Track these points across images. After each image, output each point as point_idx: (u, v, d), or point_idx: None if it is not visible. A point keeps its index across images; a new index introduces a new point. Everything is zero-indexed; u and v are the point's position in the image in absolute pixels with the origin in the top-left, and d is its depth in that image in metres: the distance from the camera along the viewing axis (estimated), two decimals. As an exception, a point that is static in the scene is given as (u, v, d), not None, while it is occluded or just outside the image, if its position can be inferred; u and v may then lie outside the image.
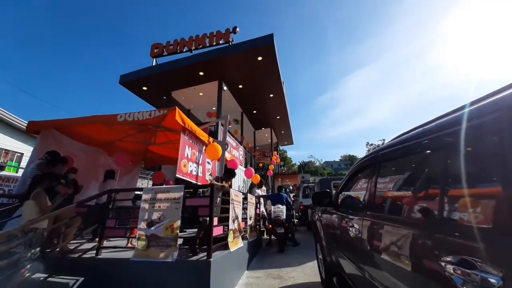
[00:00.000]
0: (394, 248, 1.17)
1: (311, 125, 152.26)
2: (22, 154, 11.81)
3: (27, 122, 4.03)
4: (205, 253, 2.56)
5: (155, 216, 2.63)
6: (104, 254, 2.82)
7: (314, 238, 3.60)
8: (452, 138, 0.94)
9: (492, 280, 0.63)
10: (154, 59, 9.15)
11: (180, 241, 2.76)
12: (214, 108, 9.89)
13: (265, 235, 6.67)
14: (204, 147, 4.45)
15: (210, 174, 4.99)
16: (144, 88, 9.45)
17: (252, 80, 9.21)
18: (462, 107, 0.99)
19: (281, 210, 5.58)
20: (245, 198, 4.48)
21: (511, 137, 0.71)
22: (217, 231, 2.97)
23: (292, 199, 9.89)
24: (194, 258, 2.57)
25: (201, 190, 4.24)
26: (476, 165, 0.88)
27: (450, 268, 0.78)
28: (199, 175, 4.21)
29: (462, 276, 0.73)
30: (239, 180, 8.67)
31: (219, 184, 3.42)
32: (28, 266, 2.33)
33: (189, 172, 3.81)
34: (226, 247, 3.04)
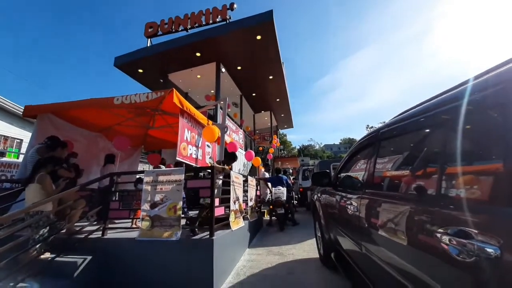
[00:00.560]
0: (391, 223, 1.20)
1: (311, 109, 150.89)
2: (22, 140, 11.79)
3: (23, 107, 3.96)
4: (207, 233, 2.64)
5: (157, 197, 2.67)
6: (110, 235, 2.90)
7: (313, 218, 3.70)
8: (455, 112, 0.91)
9: (489, 250, 0.64)
10: (149, 39, 8.79)
11: (183, 222, 2.85)
12: (212, 91, 9.70)
13: (265, 216, 6.87)
14: (202, 130, 4.42)
15: (210, 157, 5.02)
16: (140, 70, 9.18)
17: (251, 61, 8.93)
18: (465, 82, 0.96)
19: (281, 191, 5.72)
20: (245, 180, 4.55)
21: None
22: (219, 211, 3.05)
23: (292, 181, 10.06)
24: (198, 236, 2.66)
25: (201, 174, 4.29)
26: (478, 138, 0.87)
27: (446, 239, 0.80)
28: (199, 158, 4.23)
29: (458, 246, 0.74)
30: (239, 164, 8.74)
31: (220, 166, 3.45)
32: (37, 246, 2.41)
33: (188, 155, 3.82)
34: (228, 226, 3.14)
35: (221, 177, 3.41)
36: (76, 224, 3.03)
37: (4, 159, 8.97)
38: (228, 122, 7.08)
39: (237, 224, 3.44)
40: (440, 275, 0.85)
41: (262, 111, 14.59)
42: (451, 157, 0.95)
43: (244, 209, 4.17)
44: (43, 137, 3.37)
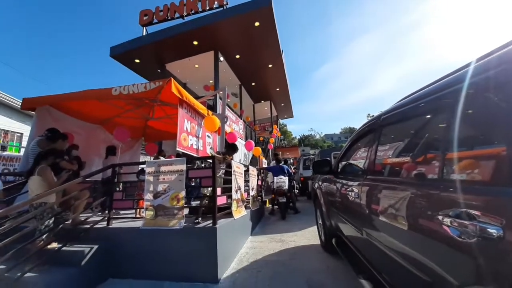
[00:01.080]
0: (393, 208, 1.21)
1: (312, 98, 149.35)
2: (22, 134, 11.78)
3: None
4: (210, 221, 2.69)
5: (160, 187, 2.70)
6: (115, 224, 2.96)
7: (314, 206, 3.75)
8: (457, 95, 0.90)
9: (491, 230, 0.65)
10: (144, 28, 8.57)
11: (186, 211, 2.89)
12: (211, 81, 9.57)
13: (267, 205, 6.97)
14: (203, 120, 4.40)
15: (211, 148, 5.02)
16: (137, 60, 9.02)
17: (250, 49, 8.75)
18: (468, 65, 0.94)
19: (283, 180, 5.78)
20: (247, 170, 4.57)
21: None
22: (221, 200, 3.08)
23: (294, 170, 10.13)
24: (201, 225, 2.71)
25: (203, 165, 4.31)
26: (480, 120, 0.86)
27: (448, 221, 0.81)
28: (199, 148, 4.22)
29: (460, 227, 0.75)
30: (240, 154, 8.76)
31: (220, 156, 3.45)
32: (43, 237, 2.46)
33: (189, 145, 3.82)
34: (230, 215, 3.18)
35: (223, 167, 3.43)
36: (81, 215, 3.08)
37: (5, 153, 8.99)
38: (228, 113, 7.03)
39: (239, 212, 3.49)
40: (442, 257, 0.87)
41: (262, 101, 14.48)
42: (453, 140, 0.94)
43: (246, 198, 4.22)
44: (42, 129, 3.36)
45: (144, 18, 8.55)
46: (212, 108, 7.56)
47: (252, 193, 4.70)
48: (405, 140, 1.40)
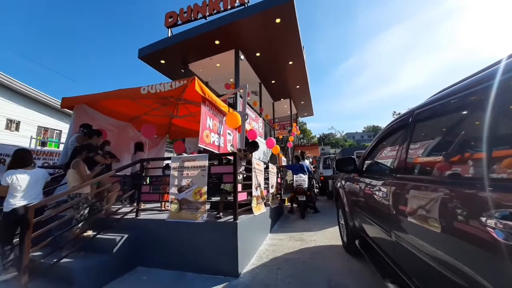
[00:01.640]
0: (427, 209, 1.13)
1: (333, 95, 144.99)
2: (61, 131, 12.94)
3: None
4: (231, 217, 2.74)
5: (184, 182, 2.81)
6: (143, 216, 3.14)
7: (336, 205, 3.65)
8: (505, 87, 0.81)
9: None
10: (169, 29, 8.91)
11: (208, 206, 2.98)
12: (231, 80, 9.68)
13: (286, 203, 6.92)
14: (224, 118, 4.48)
15: (232, 145, 5.10)
16: (162, 61, 9.42)
17: (270, 46, 8.69)
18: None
19: (303, 179, 5.70)
20: (266, 168, 4.58)
21: None
22: (241, 196, 3.12)
23: (313, 169, 9.93)
24: (222, 220, 2.77)
25: (224, 161, 4.40)
26: None
27: (492, 223, 0.74)
28: (221, 145, 4.31)
29: (506, 229, 0.69)
30: (260, 152, 8.78)
31: (242, 153, 3.49)
32: (79, 225, 2.69)
33: (211, 142, 3.91)
34: (250, 211, 3.22)
35: (243, 163, 3.47)
36: (112, 206, 3.32)
37: (45, 148, 9.93)
38: (248, 111, 7.08)
39: (259, 209, 3.51)
40: (483, 262, 0.80)
41: (282, 99, 14.33)
42: (498, 137, 0.86)
43: (266, 195, 4.23)
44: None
45: (169, 20, 8.88)
46: (233, 106, 7.66)
47: (271, 190, 4.70)
48: (441, 136, 1.30)
